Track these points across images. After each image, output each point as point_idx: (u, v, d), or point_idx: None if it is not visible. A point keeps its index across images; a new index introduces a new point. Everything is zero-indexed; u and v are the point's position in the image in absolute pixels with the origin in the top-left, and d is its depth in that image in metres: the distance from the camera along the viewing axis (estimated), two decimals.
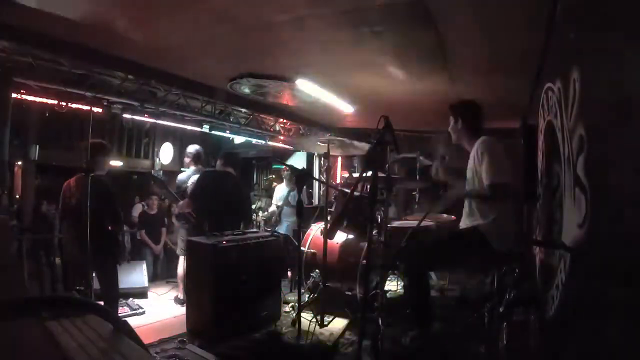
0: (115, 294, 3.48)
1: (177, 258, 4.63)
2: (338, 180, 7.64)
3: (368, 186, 2.14)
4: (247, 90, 4.56)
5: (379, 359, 2.35)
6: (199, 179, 4.11)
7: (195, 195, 3.96)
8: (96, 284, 3.39)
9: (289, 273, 4.60)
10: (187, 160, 4.56)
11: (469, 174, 2.53)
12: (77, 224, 3.08)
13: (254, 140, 6.46)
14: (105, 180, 3.43)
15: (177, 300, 4.44)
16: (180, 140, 7.87)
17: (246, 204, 4.32)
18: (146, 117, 4.66)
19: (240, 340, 2.89)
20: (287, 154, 7.95)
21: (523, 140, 3.45)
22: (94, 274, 3.32)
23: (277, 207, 5.70)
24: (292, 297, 3.80)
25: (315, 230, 3.91)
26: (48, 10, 2.67)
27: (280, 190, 5.78)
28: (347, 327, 3.07)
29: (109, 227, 3.36)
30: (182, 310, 3.48)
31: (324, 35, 3.00)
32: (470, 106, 2.65)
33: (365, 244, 3.17)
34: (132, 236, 6.08)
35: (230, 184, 4.02)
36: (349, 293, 3.42)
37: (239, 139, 6.97)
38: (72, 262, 3.38)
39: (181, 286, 4.44)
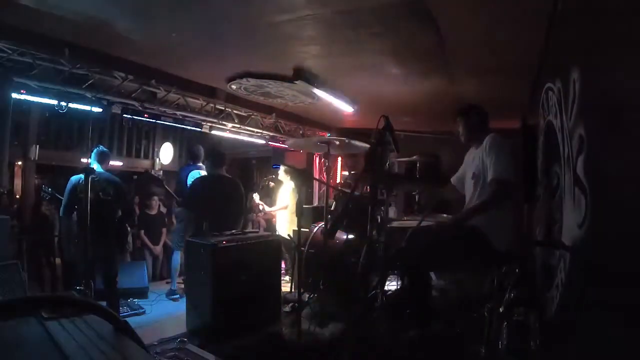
0: (117, 290, 3.65)
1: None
2: (338, 180, 7.63)
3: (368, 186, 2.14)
4: (247, 91, 4.56)
5: (379, 358, 2.35)
6: (192, 185, 4.15)
7: (189, 202, 4.02)
8: (98, 284, 3.44)
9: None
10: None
11: (475, 171, 2.54)
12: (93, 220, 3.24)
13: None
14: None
15: (170, 292, 4.47)
16: (180, 140, 7.87)
17: (240, 206, 4.33)
18: (146, 117, 4.66)
19: (240, 340, 2.89)
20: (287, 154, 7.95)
21: (523, 140, 3.46)
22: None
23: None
24: (292, 297, 3.80)
25: (315, 230, 3.91)
26: (48, 10, 2.67)
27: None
28: (347, 327, 3.07)
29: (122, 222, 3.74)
30: (182, 310, 3.48)
31: (324, 35, 3.00)
32: (478, 108, 2.69)
33: (365, 244, 3.17)
34: (133, 237, 6.08)
35: (225, 188, 4.03)
36: (349, 293, 3.41)
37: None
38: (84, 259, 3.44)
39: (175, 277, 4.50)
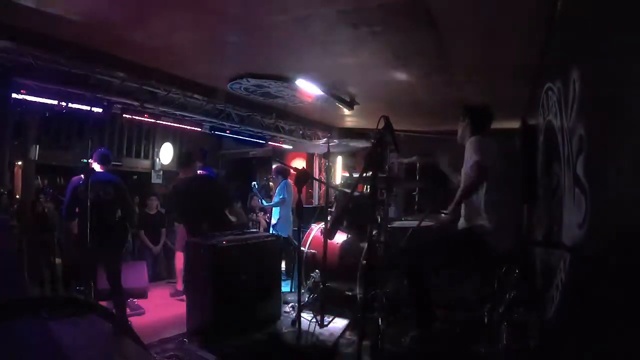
0: (122, 290, 3.64)
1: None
2: (338, 181, 7.64)
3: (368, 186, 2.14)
4: (247, 91, 4.57)
5: (379, 359, 2.35)
6: (173, 186, 4.20)
7: (169, 203, 4.07)
8: (100, 284, 3.48)
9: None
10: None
11: (462, 174, 2.54)
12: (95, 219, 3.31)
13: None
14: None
15: (176, 292, 4.47)
16: (180, 140, 7.86)
17: (228, 198, 4.33)
18: (146, 117, 4.66)
19: (240, 340, 2.89)
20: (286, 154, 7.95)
21: (523, 140, 3.45)
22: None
23: None
24: (292, 297, 3.80)
25: (315, 230, 3.92)
26: (48, 10, 2.67)
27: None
28: (347, 327, 3.07)
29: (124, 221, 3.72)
30: (182, 310, 3.48)
31: (324, 35, 3.00)
32: (481, 110, 2.67)
33: (365, 244, 3.17)
34: (133, 236, 6.07)
35: (206, 189, 4.06)
36: (349, 293, 3.42)
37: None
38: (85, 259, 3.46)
39: (180, 278, 4.50)
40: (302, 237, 3.44)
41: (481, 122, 2.63)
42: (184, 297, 4.35)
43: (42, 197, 5.10)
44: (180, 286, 4.52)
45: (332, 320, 3.14)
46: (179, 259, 4.59)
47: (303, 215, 2.96)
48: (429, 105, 5.02)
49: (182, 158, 4.17)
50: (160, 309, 4.16)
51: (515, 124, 4.64)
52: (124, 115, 4.38)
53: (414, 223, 3.12)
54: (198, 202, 3.89)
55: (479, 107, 2.70)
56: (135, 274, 4.54)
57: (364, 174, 2.12)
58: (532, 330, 2.43)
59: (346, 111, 5.28)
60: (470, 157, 2.39)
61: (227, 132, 5.72)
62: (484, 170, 2.32)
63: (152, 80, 4.10)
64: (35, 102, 3.68)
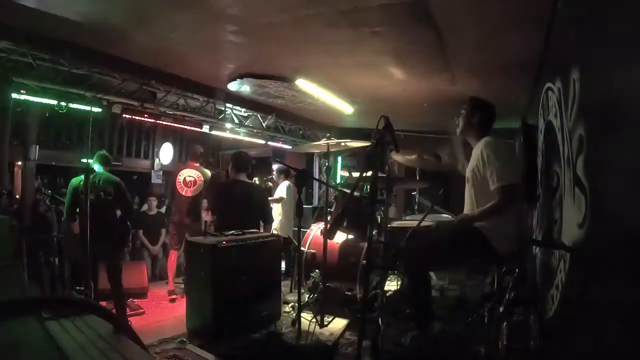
0: (123, 290, 3.65)
1: None
2: (338, 181, 7.64)
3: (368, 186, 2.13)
4: (247, 91, 4.57)
5: (379, 359, 2.35)
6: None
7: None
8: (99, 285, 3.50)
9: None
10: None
11: (468, 173, 2.52)
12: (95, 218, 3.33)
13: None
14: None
15: (168, 292, 4.47)
16: (180, 140, 7.86)
17: (265, 211, 4.30)
18: (146, 117, 4.67)
19: (240, 340, 2.89)
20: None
21: (523, 140, 3.45)
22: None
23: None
24: (292, 297, 3.80)
25: (315, 230, 3.91)
26: (48, 10, 2.67)
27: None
28: (347, 327, 3.07)
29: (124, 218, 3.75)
30: (182, 310, 3.48)
31: (324, 35, 3.00)
32: (490, 105, 2.62)
33: (365, 244, 3.17)
34: (132, 237, 6.07)
35: (246, 194, 4.01)
36: (349, 293, 3.41)
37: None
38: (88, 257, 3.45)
39: (171, 278, 4.52)
40: (302, 237, 3.44)
41: (491, 121, 2.59)
42: (175, 296, 4.36)
43: (39, 196, 5.11)
44: (171, 286, 4.50)
45: (332, 320, 3.14)
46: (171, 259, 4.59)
47: (303, 215, 2.95)
48: (429, 105, 5.02)
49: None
50: (160, 309, 4.16)
51: (515, 124, 4.64)
52: (124, 115, 4.38)
53: (414, 223, 3.12)
54: (242, 205, 3.85)
55: (489, 104, 2.65)
56: (135, 274, 4.54)
57: (364, 174, 2.12)
58: (532, 330, 2.43)
59: (346, 111, 5.29)
60: (489, 164, 2.33)
61: (227, 132, 5.72)
62: (509, 193, 2.24)
63: (152, 80, 4.10)
64: (35, 102, 3.68)
